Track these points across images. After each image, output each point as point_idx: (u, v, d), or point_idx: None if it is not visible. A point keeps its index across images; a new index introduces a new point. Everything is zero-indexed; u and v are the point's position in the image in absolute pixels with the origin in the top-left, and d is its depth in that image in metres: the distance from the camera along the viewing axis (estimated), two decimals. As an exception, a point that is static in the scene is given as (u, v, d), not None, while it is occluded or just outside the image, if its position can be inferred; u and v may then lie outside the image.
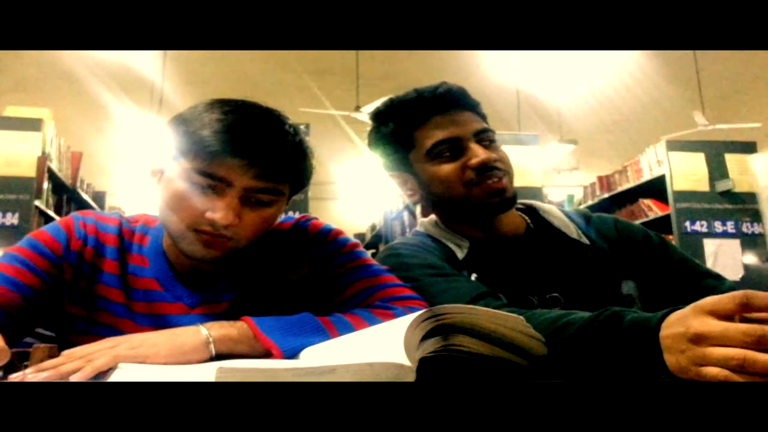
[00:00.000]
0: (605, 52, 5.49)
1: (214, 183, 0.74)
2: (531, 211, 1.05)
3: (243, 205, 0.75)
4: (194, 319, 0.79)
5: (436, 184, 0.96)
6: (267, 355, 0.67)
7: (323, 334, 0.70)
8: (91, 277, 0.82)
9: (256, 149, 0.73)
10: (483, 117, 1.00)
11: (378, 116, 1.02)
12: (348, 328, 0.72)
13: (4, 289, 0.74)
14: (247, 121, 0.75)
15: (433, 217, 1.05)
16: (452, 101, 0.97)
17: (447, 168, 0.94)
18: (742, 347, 0.48)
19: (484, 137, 0.96)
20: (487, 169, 0.93)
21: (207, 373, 0.54)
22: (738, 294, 0.50)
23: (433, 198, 1.00)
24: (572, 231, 0.99)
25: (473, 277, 0.92)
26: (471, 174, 0.93)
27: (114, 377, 0.58)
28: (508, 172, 0.96)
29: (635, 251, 0.99)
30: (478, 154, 0.92)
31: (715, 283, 0.93)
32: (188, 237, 0.76)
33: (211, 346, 0.66)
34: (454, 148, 0.94)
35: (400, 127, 0.99)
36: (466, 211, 0.97)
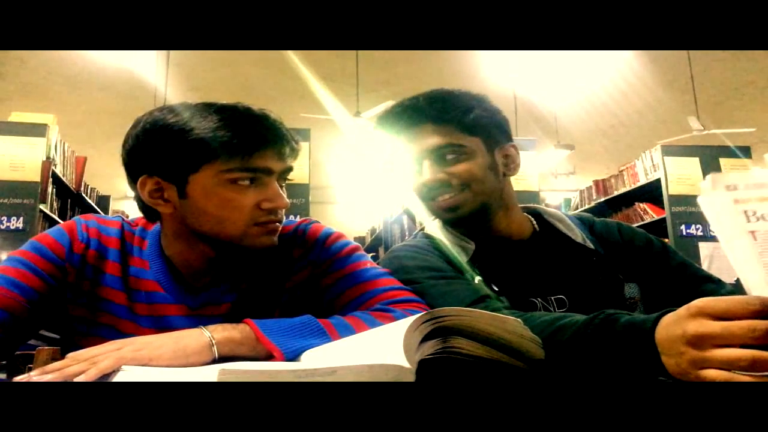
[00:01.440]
0: (601, 58, 5.54)
1: (256, 175, 0.78)
2: (537, 215, 1.06)
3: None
4: (195, 320, 0.81)
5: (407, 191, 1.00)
6: (269, 357, 0.67)
7: (324, 336, 0.71)
8: (93, 280, 0.83)
9: (281, 136, 0.80)
10: (462, 126, 0.95)
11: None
12: (349, 331, 0.72)
13: (8, 292, 0.75)
14: (258, 113, 0.80)
15: (438, 220, 1.07)
16: (414, 116, 0.96)
17: (412, 182, 0.98)
18: (744, 345, 0.47)
19: (446, 152, 0.94)
20: (434, 188, 0.94)
21: (210, 375, 0.54)
22: (752, 300, 0.48)
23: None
24: (577, 235, 1.00)
25: (477, 279, 0.92)
26: (424, 190, 0.96)
27: (118, 380, 0.59)
28: (467, 188, 0.94)
29: (637, 256, 1.00)
30: (424, 174, 0.95)
31: (715, 288, 0.95)
32: (252, 232, 0.79)
33: (215, 349, 0.66)
34: (415, 164, 0.97)
35: (383, 137, 1.01)
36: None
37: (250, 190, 0.78)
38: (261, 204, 0.79)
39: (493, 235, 1.00)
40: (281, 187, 0.83)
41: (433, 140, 0.94)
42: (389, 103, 1.05)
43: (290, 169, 0.84)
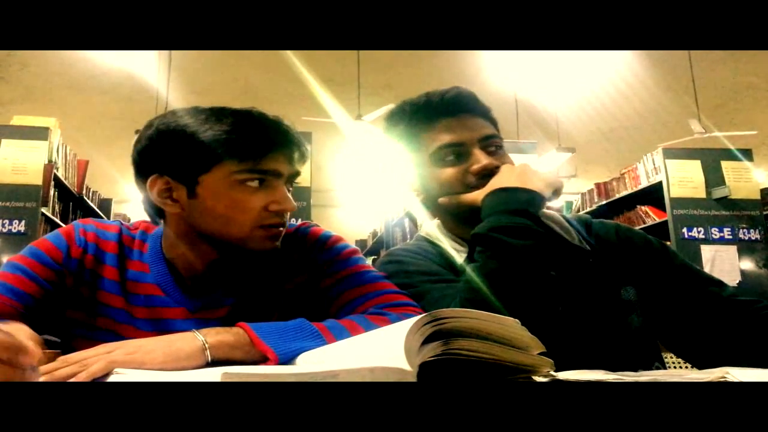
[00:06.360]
0: (602, 61, 5.54)
1: (266, 177, 0.80)
2: None
3: None
4: (195, 323, 0.81)
5: (437, 187, 0.97)
6: (263, 360, 0.67)
7: (319, 339, 0.71)
8: (92, 284, 0.84)
9: (291, 140, 0.82)
10: (493, 122, 1.01)
11: (389, 118, 1.04)
12: (344, 334, 0.72)
13: (5, 299, 0.76)
14: (272, 117, 0.82)
15: (437, 220, 1.06)
16: (460, 105, 0.98)
17: (448, 172, 0.95)
18: None
19: (491, 143, 0.96)
20: (488, 175, 0.93)
21: (210, 378, 0.54)
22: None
23: (433, 201, 1.00)
24: (573, 237, 0.99)
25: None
26: (472, 179, 0.94)
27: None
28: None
29: (636, 256, 0.99)
30: (480, 160, 0.93)
31: (717, 290, 0.95)
32: (256, 235, 0.80)
33: (207, 353, 0.66)
34: (458, 153, 0.95)
35: (409, 129, 1.00)
36: (465, 215, 0.95)
37: (259, 192, 0.80)
38: (269, 206, 0.80)
39: None
40: (288, 191, 0.84)
41: (487, 129, 0.98)
42: (390, 106, 1.06)
43: (298, 173, 0.86)
